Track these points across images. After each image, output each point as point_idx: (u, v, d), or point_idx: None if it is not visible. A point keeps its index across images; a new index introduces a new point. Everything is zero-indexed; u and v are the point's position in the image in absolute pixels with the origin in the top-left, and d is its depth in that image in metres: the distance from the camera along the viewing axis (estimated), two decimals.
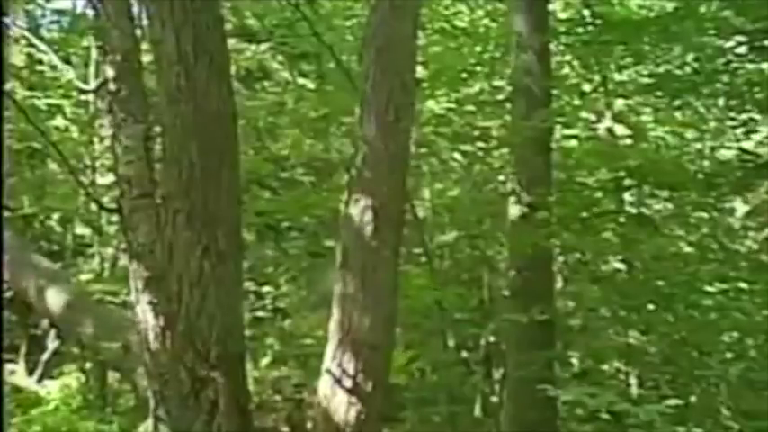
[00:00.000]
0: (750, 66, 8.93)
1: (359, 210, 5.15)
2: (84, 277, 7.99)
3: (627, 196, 10.30)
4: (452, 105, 9.43)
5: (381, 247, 5.13)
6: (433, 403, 8.42)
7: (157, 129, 4.98)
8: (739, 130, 9.91)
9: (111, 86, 4.62)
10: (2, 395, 4.71)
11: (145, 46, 5.06)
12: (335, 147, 8.16)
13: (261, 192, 7.35)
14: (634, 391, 9.54)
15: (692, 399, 8.56)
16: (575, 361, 10.18)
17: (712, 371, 9.00)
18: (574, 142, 9.76)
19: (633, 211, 10.31)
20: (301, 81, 9.37)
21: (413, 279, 8.18)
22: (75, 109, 8.54)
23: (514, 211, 8.33)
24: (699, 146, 10.45)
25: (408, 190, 7.15)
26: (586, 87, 9.80)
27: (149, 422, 4.53)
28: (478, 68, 9.48)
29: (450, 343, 8.54)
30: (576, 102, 9.89)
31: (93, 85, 6.24)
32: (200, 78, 4.73)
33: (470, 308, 9.72)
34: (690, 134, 10.39)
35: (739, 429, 7.52)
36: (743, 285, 10.92)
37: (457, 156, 10.63)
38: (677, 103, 9.50)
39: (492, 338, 9.75)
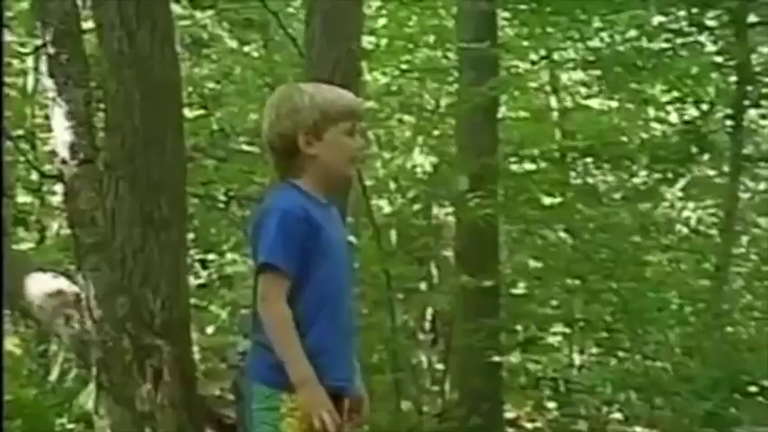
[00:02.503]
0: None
1: None
2: (25, 246, 7.88)
3: (572, 168, 10.44)
4: (399, 74, 9.42)
5: None
6: (380, 372, 8.48)
7: (100, 94, 4.91)
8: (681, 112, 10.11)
9: (50, 50, 4.53)
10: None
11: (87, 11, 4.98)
12: None
13: (206, 160, 7.29)
14: (577, 358, 9.75)
15: (634, 365, 8.75)
16: (519, 329, 10.33)
17: (653, 337, 9.21)
18: (520, 113, 9.84)
19: (578, 182, 10.46)
20: (247, 49, 9.28)
21: (359, 249, 8.19)
22: (14, 79, 8.37)
23: (461, 180, 8.40)
24: (641, 122, 10.59)
25: None
26: (534, 57, 9.87)
27: (92, 391, 4.51)
28: (425, 38, 9.48)
29: (398, 312, 8.59)
30: (522, 71, 9.95)
31: (31, 48, 6.12)
32: (143, 44, 4.67)
33: (418, 277, 9.79)
34: (633, 108, 10.53)
35: (677, 393, 7.71)
36: (683, 255, 11.18)
37: (404, 126, 10.64)
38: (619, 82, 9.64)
39: (438, 308, 9.84)
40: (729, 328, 9.42)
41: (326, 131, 2.36)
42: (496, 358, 8.02)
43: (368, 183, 8.72)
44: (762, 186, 12.50)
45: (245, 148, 8.28)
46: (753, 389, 8.88)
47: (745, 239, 11.29)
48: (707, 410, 7.26)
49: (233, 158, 7.84)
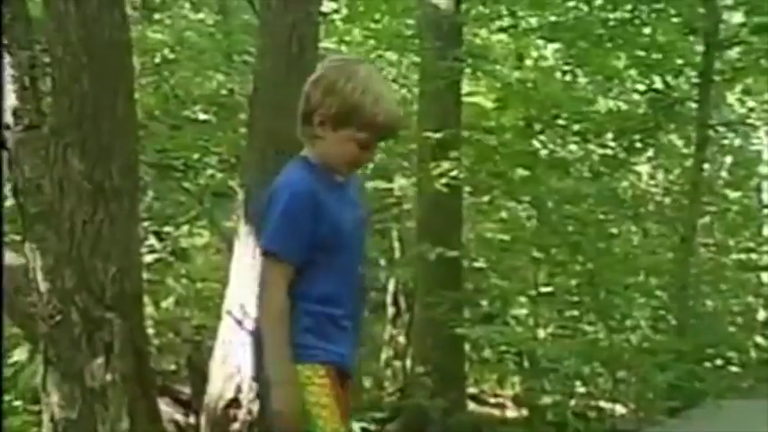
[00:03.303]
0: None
1: (260, 146, 5.09)
2: None
3: (538, 140, 10.45)
4: (360, 41, 9.34)
5: None
6: None
7: (46, 58, 4.80)
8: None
9: None
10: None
11: None
12: (239, 83, 8.02)
13: (159, 127, 7.17)
14: (541, 331, 9.79)
15: (598, 338, 8.81)
16: (483, 303, 10.36)
17: (618, 310, 9.28)
18: (483, 83, 9.81)
19: (544, 152, 10.47)
20: (202, 15, 9.16)
21: None
22: None
23: (424, 150, 8.37)
24: (608, 93, 10.63)
25: None
26: (500, 24, 9.84)
27: (38, 366, 4.43)
28: (388, 5, 9.40)
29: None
30: (486, 41, 9.92)
31: None
32: (90, 5, 4.56)
33: (380, 249, 9.77)
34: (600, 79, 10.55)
35: (640, 364, 7.79)
36: (650, 226, 11.28)
37: None
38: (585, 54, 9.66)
39: (400, 281, 9.83)
40: (694, 301, 9.55)
41: (343, 128, 2.32)
42: (459, 331, 8.04)
43: None
44: (729, 159, 12.64)
45: (202, 116, 8.18)
46: (718, 361, 9.02)
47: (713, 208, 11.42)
48: (670, 383, 7.35)
49: (189, 127, 7.72)
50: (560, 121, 9.94)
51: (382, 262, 9.83)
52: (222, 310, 5.12)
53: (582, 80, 10.57)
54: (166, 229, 7.90)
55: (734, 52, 9.87)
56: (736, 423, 6.46)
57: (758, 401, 7.22)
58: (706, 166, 10.75)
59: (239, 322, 4.94)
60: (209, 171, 8.46)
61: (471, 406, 9.02)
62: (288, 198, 2.32)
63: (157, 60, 7.60)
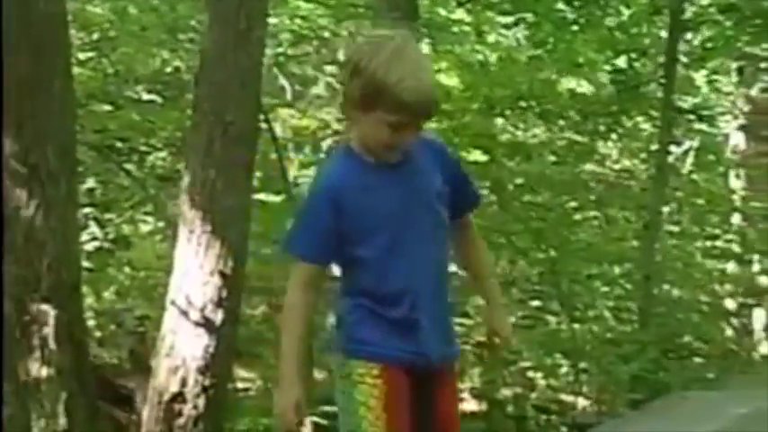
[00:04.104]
0: None
1: (207, 127, 5.06)
2: None
3: (499, 122, 10.50)
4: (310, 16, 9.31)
5: (232, 167, 5.07)
6: None
7: None
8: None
9: None
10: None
11: None
12: (185, 60, 7.95)
13: (100, 107, 7.08)
14: None
15: (560, 328, 8.91)
16: None
17: (581, 300, 9.39)
18: (443, 64, 9.83)
19: (505, 136, 10.54)
20: None
21: (269, 205, 8.12)
22: None
23: None
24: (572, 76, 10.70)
25: (264, 108, 7.06)
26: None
27: None
28: None
29: None
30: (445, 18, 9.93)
31: None
32: None
33: None
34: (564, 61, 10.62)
35: (602, 355, 7.89)
36: (613, 214, 11.39)
37: (319, 75, 10.56)
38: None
39: None
40: (658, 290, 9.67)
41: (371, 111, 2.26)
42: None
43: (280, 134, 8.65)
44: (695, 143, 12.78)
45: (145, 96, 8.10)
46: (683, 352, 9.16)
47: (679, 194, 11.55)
48: (633, 374, 7.44)
49: (131, 107, 7.65)
50: (522, 104, 10.00)
51: None
52: (166, 299, 5.09)
53: (547, 61, 10.64)
54: (108, 215, 7.83)
55: (703, 34, 9.99)
56: (699, 415, 6.55)
57: (722, 393, 7.33)
58: (673, 149, 10.88)
59: (184, 312, 4.92)
60: (154, 154, 8.39)
61: None
62: (308, 197, 2.37)
63: (97, 36, 7.50)
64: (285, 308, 2.35)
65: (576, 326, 8.93)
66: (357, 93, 2.26)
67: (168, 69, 8.49)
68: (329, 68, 10.56)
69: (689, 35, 9.83)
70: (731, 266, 11.40)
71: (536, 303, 9.73)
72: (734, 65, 11.52)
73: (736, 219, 11.46)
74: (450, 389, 2.45)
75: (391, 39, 2.31)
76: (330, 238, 2.30)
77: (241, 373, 8.35)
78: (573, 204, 10.60)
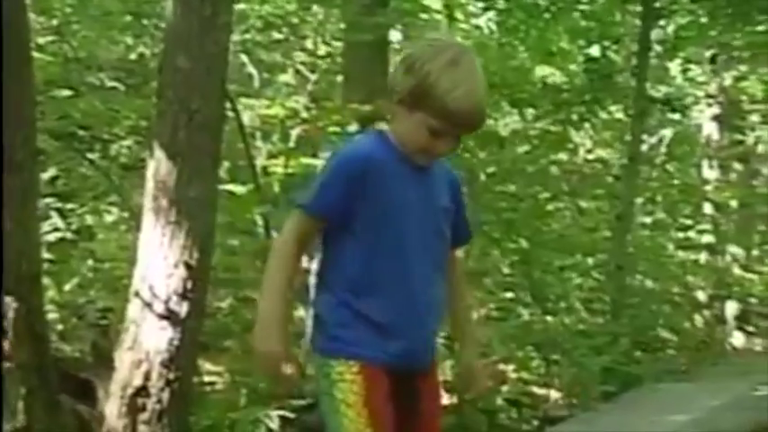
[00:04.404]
0: None
1: (171, 115, 5.03)
2: None
3: None
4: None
5: (197, 156, 5.05)
6: None
7: None
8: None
9: None
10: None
11: None
12: (149, 46, 7.89)
13: (61, 93, 6.99)
14: (474, 313, 9.91)
15: (532, 320, 8.95)
16: None
17: (553, 291, 9.44)
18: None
19: None
20: None
21: (236, 196, 8.09)
22: None
23: (352, 123, 8.36)
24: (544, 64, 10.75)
25: (231, 95, 7.03)
26: None
27: None
28: None
29: None
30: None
31: None
32: None
33: None
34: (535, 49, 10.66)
35: (574, 347, 7.93)
36: (585, 205, 11.46)
37: (287, 63, 10.53)
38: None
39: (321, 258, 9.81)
40: (631, 281, 9.75)
41: (417, 110, 2.28)
42: None
43: (247, 123, 8.61)
44: (668, 132, 12.89)
45: (109, 83, 8.03)
46: (655, 344, 9.24)
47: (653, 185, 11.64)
48: (605, 366, 7.50)
49: (94, 94, 7.57)
50: (494, 92, 10.02)
51: None
52: (130, 291, 5.06)
53: (519, 49, 10.68)
54: (70, 205, 7.76)
55: (676, 22, 10.06)
56: (670, 406, 6.63)
57: (694, 384, 7.42)
58: (646, 139, 10.96)
59: (148, 305, 4.89)
60: (118, 142, 8.33)
61: None
62: (338, 159, 2.33)
63: (57, 21, 7.42)
64: (275, 247, 2.35)
65: (548, 318, 8.97)
66: (407, 90, 2.29)
67: (132, 56, 8.43)
68: (298, 55, 10.54)
69: (662, 23, 9.89)
70: (703, 257, 11.51)
71: (507, 295, 9.77)
72: (707, 54, 11.61)
73: (708, 209, 11.57)
74: (433, 384, 2.45)
75: (451, 47, 2.35)
76: (345, 199, 2.28)
77: (207, 366, 8.32)
78: (545, 195, 10.65)
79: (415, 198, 2.33)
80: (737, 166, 11.66)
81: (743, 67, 11.01)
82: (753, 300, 10.97)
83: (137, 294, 4.96)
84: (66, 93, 7.10)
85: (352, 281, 2.31)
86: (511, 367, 9.27)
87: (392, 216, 2.30)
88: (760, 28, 9.68)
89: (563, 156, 11.44)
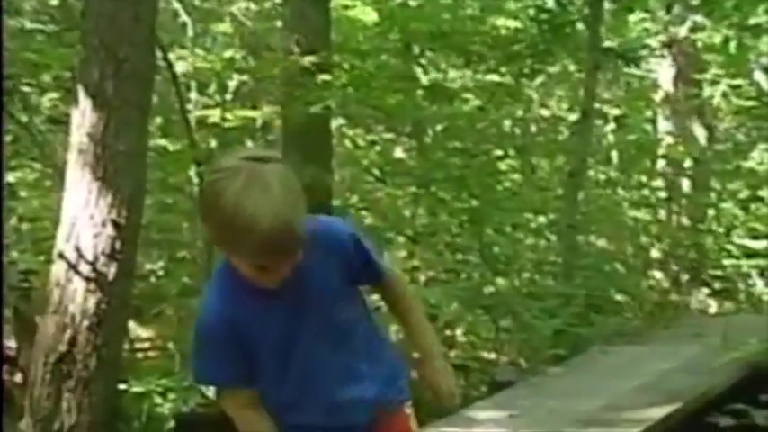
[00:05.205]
0: None
1: (97, 63, 4.96)
2: None
3: (418, 64, 10.50)
4: None
5: (126, 107, 4.99)
6: (196, 293, 8.42)
7: None
8: None
9: None
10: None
11: None
12: None
13: None
14: (421, 275, 9.96)
15: (482, 281, 9.02)
16: None
17: (504, 251, 9.51)
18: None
19: (425, 79, 10.54)
20: None
21: (169, 151, 8.04)
22: None
23: (290, 74, 8.31)
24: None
25: (162, 44, 6.94)
26: None
27: None
28: None
29: None
30: None
31: None
32: None
33: None
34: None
35: (525, 309, 8.02)
36: (539, 162, 11.54)
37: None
38: None
39: None
40: (583, 240, 9.85)
41: (229, 254, 2.20)
42: None
43: (181, 70, 8.51)
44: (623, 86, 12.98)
45: (29, 25, 7.88)
46: (607, 306, 9.37)
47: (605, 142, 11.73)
48: (555, 329, 7.60)
49: (15, 40, 7.42)
50: (445, 43, 10.01)
51: None
52: (54, 252, 5.01)
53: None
54: None
55: None
56: (621, 370, 6.74)
57: (645, 347, 7.54)
58: (600, 93, 11.02)
59: (73, 266, 4.85)
60: (42, 94, 8.20)
61: None
62: (201, 329, 2.28)
63: None
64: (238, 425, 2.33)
65: (499, 279, 9.05)
66: (212, 238, 2.22)
67: (54, 0, 8.28)
68: (235, 4, 10.43)
69: None
70: (661, 214, 11.65)
71: (457, 256, 9.84)
72: (662, 4, 11.69)
73: (663, 166, 11.71)
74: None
75: (238, 171, 2.12)
76: (240, 359, 2.28)
77: (138, 331, 8.30)
78: (497, 153, 10.70)
79: (287, 323, 2.29)
80: (693, 121, 11.78)
81: (699, 18, 11.10)
82: (708, 260, 11.17)
83: (61, 255, 4.91)
84: None
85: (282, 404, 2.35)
86: (459, 331, 9.37)
87: (272, 354, 2.29)
88: None
89: (516, 111, 11.50)
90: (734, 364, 6.44)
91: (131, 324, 7.06)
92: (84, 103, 5.00)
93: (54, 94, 8.36)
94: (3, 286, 4.46)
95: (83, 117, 4.98)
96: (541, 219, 10.25)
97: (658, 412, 5.48)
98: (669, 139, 11.50)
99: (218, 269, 2.32)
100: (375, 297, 2.57)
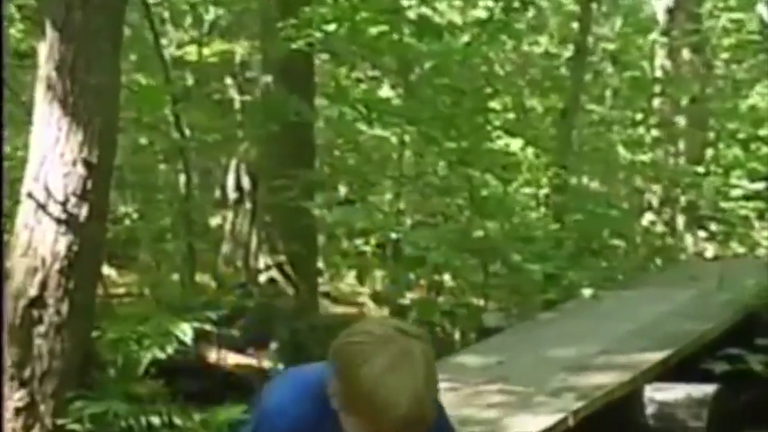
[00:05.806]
0: None
1: None
2: None
3: None
4: None
5: (96, 39, 4.91)
6: (173, 237, 8.41)
7: None
8: None
9: None
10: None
11: None
12: None
13: None
14: (407, 219, 9.96)
15: (470, 225, 9.02)
16: (340, 187, 10.42)
17: (490, 191, 9.50)
18: None
19: (412, 13, 10.44)
20: None
21: (146, 90, 7.94)
22: None
23: (270, 7, 8.23)
24: None
25: None
26: None
27: None
28: None
29: (193, 167, 8.46)
30: None
31: None
32: None
33: (218, 127, 9.60)
34: None
35: (516, 253, 8.04)
36: (531, 103, 11.49)
37: None
38: None
39: (244, 160, 9.76)
40: (576, 181, 9.85)
41: (349, 416, 2.12)
42: (314, 213, 8.09)
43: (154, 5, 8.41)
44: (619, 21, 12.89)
45: None
46: (600, 249, 9.40)
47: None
48: (546, 273, 7.61)
49: None
50: None
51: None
52: (22, 192, 4.96)
53: None
54: None
55: None
56: (614, 314, 6.78)
57: (639, 291, 7.58)
58: (595, 28, 10.95)
59: (42, 206, 4.80)
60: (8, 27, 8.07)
61: (325, 305, 9.16)
62: (257, 423, 2.22)
63: None
64: None
65: (488, 222, 9.05)
66: (339, 396, 2.13)
67: None
68: None
69: None
70: (659, 154, 11.64)
71: (444, 198, 9.82)
72: None
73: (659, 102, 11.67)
74: None
75: (388, 342, 2.10)
76: None
77: (113, 275, 8.28)
78: (488, 90, 10.64)
79: None
80: (691, 56, 11.71)
81: None
82: (704, 202, 11.18)
83: (29, 195, 4.86)
84: None
85: None
86: (447, 276, 9.39)
87: None
88: None
89: (507, 47, 11.42)
90: (729, 308, 6.48)
91: (106, 269, 7.04)
92: (52, 33, 4.92)
93: (20, 26, 8.26)
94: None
95: (51, 49, 4.91)
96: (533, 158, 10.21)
97: (653, 357, 5.52)
98: (665, 77, 11.45)
99: (308, 377, 2.29)
100: None
